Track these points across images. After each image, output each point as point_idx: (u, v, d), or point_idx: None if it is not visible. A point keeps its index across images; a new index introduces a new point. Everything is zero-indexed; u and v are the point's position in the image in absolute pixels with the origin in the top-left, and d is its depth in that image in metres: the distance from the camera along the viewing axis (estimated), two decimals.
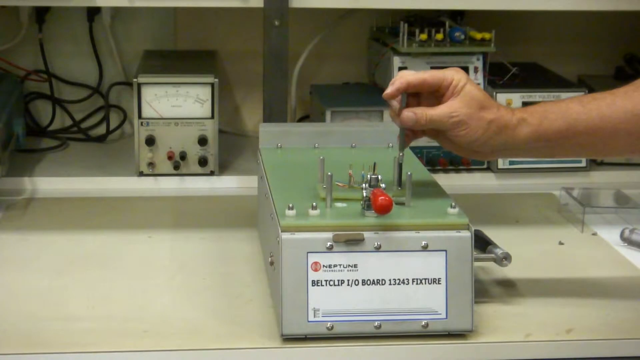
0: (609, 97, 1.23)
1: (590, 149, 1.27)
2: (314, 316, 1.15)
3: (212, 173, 1.76)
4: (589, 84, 1.93)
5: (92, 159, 1.85)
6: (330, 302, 1.15)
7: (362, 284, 1.15)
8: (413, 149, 1.52)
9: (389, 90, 1.25)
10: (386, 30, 1.91)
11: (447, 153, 1.77)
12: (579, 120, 1.22)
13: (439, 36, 1.79)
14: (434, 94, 1.27)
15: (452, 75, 1.27)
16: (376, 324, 1.15)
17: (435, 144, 1.34)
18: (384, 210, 1.15)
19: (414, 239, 1.15)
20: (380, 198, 1.15)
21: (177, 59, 1.93)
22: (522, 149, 1.25)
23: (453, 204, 1.20)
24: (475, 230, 1.19)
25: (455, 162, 1.79)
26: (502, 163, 1.80)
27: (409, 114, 1.23)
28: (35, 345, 1.15)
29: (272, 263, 1.20)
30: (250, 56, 1.93)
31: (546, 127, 1.22)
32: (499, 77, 1.85)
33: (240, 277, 1.35)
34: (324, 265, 1.14)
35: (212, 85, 1.74)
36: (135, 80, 1.73)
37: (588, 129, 1.22)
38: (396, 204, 1.20)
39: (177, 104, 1.74)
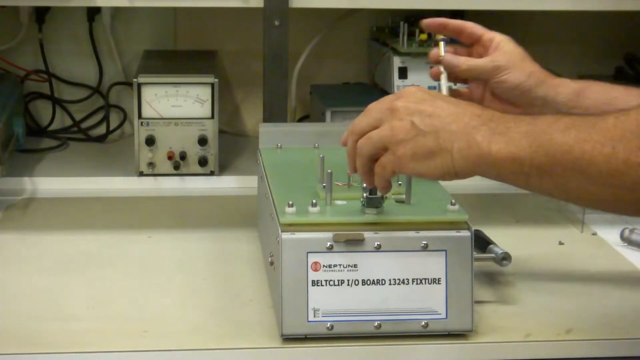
0: None
1: None
2: (314, 316, 1.15)
3: (212, 173, 1.76)
4: None
5: (92, 159, 1.85)
6: (330, 302, 1.15)
7: (362, 284, 1.15)
8: None
9: (428, 20, 1.35)
10: (386, 30, 1.91)
11: None
12: (617, 100, 1.25)
13: (439, 36, 1.78)
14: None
15: (494, 34, 1.33)
16: (376, 324, 1.15)
17: None
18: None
19: (414, 238, 1.15)
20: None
21: (177, 59, 1.93)
22: (561, 107, 1.27)
23: (453, 201, 1.20)
24: (475, 230, 1.19)
25: None
26: None
27: (451, 57, 1.32)
28: (35, 345, 1.15)
29: (272, 263, 1.20)
30: (250, 56, 1.93)
31: (587, 94, 1.26)
32: None
33: (240, 277, 1.35)
34: (324, 265, 1.14)
35: (212, 85, 1.74)
36: (135, 80, 1.73)
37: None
38: (396, 201, 1.21)
39: (177, 104, 1.74)
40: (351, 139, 1.13)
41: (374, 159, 1.11)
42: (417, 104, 1.08)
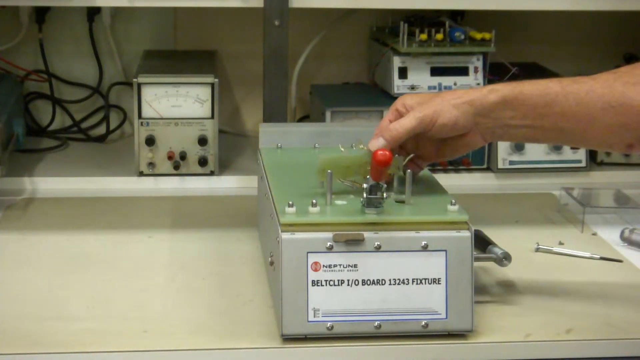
0: (589, 83, 1.19)
1: (569, 134, 1.22)
2: (314, 316, 1.15)
3: (212, 173, 1.76)
4: None
5: (92, 159, 1.85)
6: (330, 302, 1.15)
7: (362, 284, 1.15)
8: None
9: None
10: (386, 30, 1.91)
11: None
12: (556, 101, 1.19)
13: (439, 36, 1.79)
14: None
15: (395, 108, 1.27)
16: (376, 324, 1.15)
17: None
18: (381, 164, 1.15)
19: (414, 239, 1.15)
20: (380, 152, 1.15)
21: (177, 59, 1.93)
22: (499, 123, 1.23)
23: (453, 201, 1.20)
24: (475, 230, 1.19)
25: (455, 162, 1.80)
26: (502, 163, 1.80)
27: (376, 141, 1.24)
28: (35, 345, 1.15)
29: (272, 263, 1.20)
30: (250, 56, 1.93)
31: (521, 98, 1.20)
32: (499, 77, 1.85)
33: (240, 277, 1.35)
34: (324, 265, 1.14)
35: (212, 85, 1.74)
36: (135, 80, 1.73)
37: (565, 112, 1.19)
38: (396, 201, 1.21)
39: (177, 104, 1.74)
40: None
41: None
42: None
